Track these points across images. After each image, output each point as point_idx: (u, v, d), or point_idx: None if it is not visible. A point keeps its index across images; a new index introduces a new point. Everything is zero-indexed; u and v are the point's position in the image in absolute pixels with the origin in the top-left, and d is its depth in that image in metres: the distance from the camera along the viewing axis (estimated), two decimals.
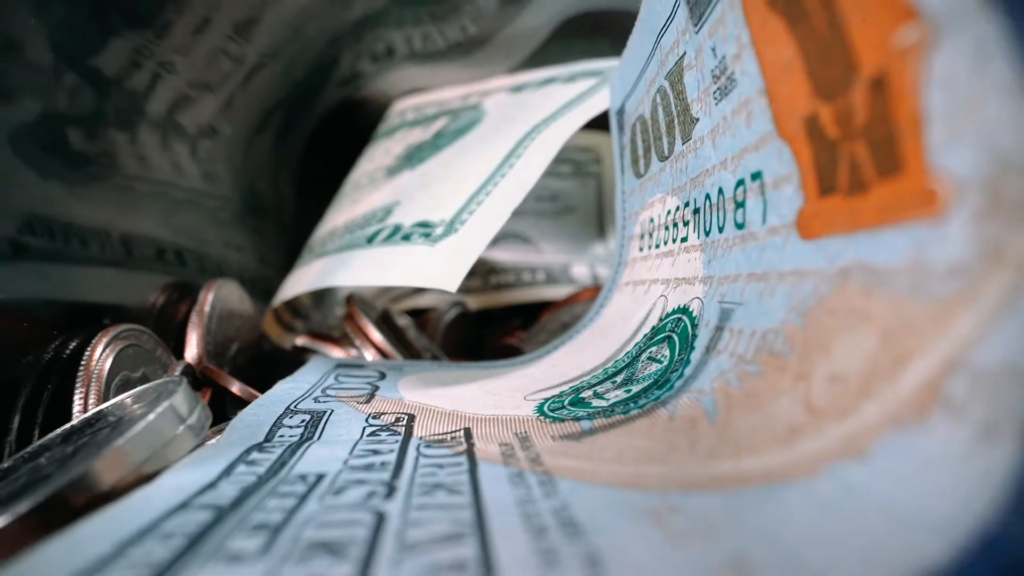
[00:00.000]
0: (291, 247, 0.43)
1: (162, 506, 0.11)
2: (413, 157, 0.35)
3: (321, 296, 0.40)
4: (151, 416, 0.14)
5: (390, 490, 0.11)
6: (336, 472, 0.12)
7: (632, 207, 0.26)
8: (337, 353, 0.31)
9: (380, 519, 0.10)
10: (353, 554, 0.08)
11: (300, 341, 0.33)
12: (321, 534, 0.09)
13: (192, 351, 0.27)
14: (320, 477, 0.12)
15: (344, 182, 0.41)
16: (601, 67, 0.34)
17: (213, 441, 0.16)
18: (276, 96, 0.41)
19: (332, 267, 0.29)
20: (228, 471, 0.13)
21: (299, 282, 0.32)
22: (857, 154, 0.10)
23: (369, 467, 0.13)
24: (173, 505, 0.11)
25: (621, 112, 0.26)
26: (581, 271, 0.42)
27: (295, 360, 0.32)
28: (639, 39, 0.22)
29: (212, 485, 0.12)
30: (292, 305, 0.36)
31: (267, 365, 0.34)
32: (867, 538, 0.07)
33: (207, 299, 0.29)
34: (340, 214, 0.35)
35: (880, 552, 0.07)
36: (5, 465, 0.16)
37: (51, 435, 0.17)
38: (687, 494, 0.10)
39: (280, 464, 0.13)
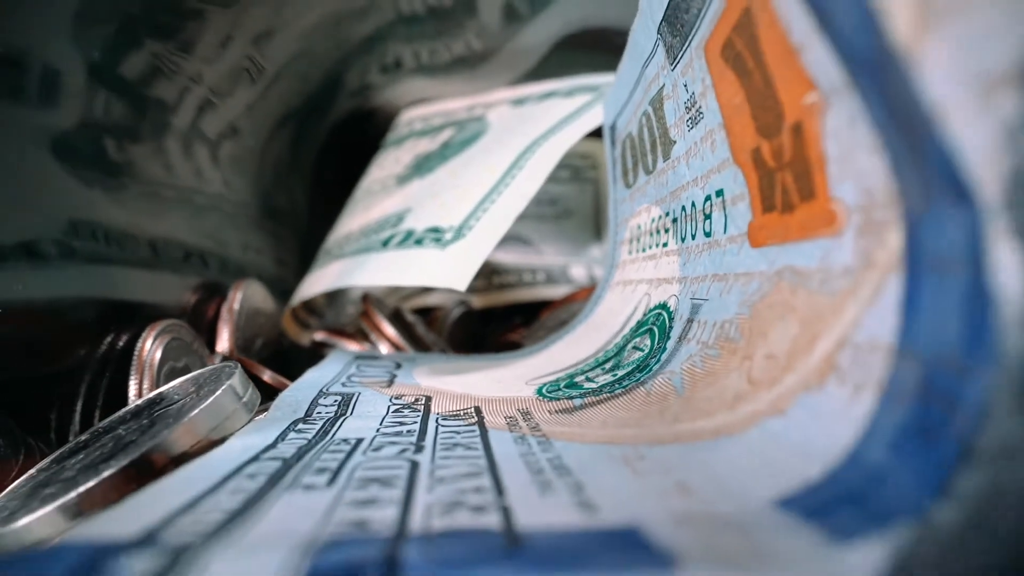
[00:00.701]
0: (305, 250, 0.46)
1: (238, 459, 0.13)
2: (422, 166, 0.38)
3: (334, 296, 0.42)
4: (218, 392, 0.16)
5: (418, 448, 0.14)
6: (372, 437, 0.15)
7: (623, 214, 0.29)
8: (353, 347, 0.34)
9: (414, 465, 0.12)
10: (399, 484, 0.11)
11: (319, 336, 0.35)
12: (371, 473, 0.12)
13: (224, 344, 0.30)
14: (359, 440, 0.15)
15: (356, 188, 0.43)
16: (597, 82, 0.37)
17: (260, 417, 0.19)
18: (291, 106, 0.43)
19: (350, 268, 0.32)
20: (282, 436, 0.15)
21: (318, 282, 0.34)
22: (786, 182, 0.13)
23: (398, 433, 0.16)
24: (247, 458, 0.13)
25: (613, 128, 0.29)
26: (579, 272, 0.44)
27: (312, 354, 0.35)
28: (627, 66, 0.25)
29: (272, 446, 0.15)
30: (308, 304, 0.39)
31: (285, 359, 0.37)
32: (773, 466, 0.10)
33: (236, 297, 0.32)
34: (354, 219, 0.38)
35: (778, 474, 0.10)
36: (84, 438, 0.19)
37: (119, 413, 0.20)
38: (652, 447, 0.13)
39: (323, 432, 0.16)
